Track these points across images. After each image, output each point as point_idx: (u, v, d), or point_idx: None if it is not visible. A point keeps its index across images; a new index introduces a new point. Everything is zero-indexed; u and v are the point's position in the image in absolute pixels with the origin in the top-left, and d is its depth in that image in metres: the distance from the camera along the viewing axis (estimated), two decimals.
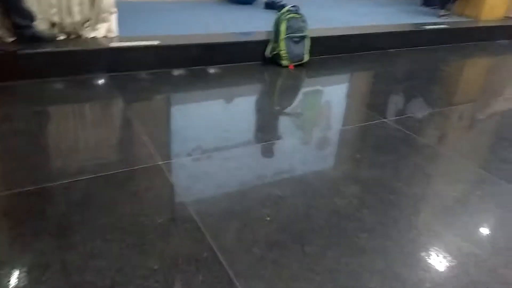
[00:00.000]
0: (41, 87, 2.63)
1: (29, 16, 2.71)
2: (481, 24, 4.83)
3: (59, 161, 1.86)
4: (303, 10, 3.46)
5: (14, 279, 1.22)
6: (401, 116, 2.59)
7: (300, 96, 2.98)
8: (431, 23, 4.57)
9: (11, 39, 2.76)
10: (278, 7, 4.38)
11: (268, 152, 2.10)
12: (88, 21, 2.99)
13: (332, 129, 2.39)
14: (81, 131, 2.20)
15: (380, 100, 2.90)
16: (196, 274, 1.29)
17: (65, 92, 2.63)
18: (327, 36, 3.74)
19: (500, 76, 3.81)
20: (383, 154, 2.10)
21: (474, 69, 4.11)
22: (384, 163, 2.01)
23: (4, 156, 1.88)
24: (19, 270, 1.26)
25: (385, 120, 2.51)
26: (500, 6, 5.14)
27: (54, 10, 2.83)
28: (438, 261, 1.41)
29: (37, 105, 2.41)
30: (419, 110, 2.75)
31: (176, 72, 3.07)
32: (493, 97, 3.18)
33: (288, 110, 2.68)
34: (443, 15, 4.91)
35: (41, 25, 2.83)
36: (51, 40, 2.82)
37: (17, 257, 1.30)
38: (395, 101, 2.96)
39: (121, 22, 3.22)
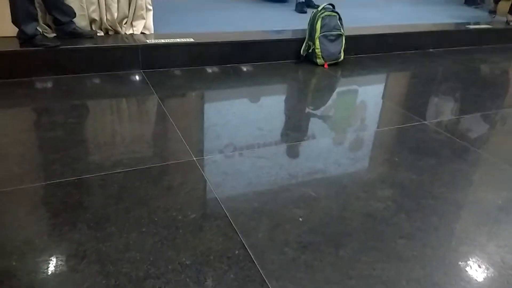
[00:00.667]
0: (80, 81, 2.71)
1: (69, 13, 2.79)
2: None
3: (96, 154, 1.89)
4: (340, 10, 3.39)
5: (51, 267, 1.25)
6: (442, 119, 2.49)
7: (334, 96, 2.92)
8: (474, 22, 4.38)
9: (52, 35, 2.86)
10: (313, 6, 4.33)
11: (301, 152, 2.06)
12: (125, 18, 3.04)
13: (368, 130, 2.32)
14: (118, 125, 2.24)
15: (420, 102, 2.80)
16: (227, 271, 1.27)
17: (103, 87, 2.69)
18: (364, 35, 3.65)
19: None
20: (423, 158, 2.02)
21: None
22: (423, 167, 1.93)
23: (43, 147, 1.94)
24: (57, 258, 1.28)
25: (425, 122, 2.42)
26: None
27: (93, 7, 2.91)
28: (480, 273, 1.34)
29: (76, 99, 2.48)
30: (461, 112, 2.63)
31: (210, 69, 3.08)
32: None
33: (322, 110, 2.63)
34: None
35: (81, 22, 2.91)
36: (91, 37, 2.89)
37: (55, 246, 1.33)
38: (435, 103, 2.85)
39: (157, 19, 3.27)
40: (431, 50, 3.96)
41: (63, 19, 2.77)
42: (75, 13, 2.83)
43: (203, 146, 2.04)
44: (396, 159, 2.01)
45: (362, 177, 1.85)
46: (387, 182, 1.81)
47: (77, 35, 2.84)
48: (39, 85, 2.62)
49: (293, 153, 2.05)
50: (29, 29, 2.58)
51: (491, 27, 4.32)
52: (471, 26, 4.22)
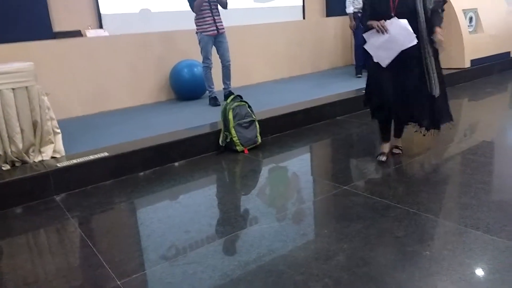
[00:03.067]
0: None
1: None
2: None
3: None
4: (247, 98, 3.61)
5: None
6: (359, 181, 2.61)
7: (259, 179, 2.97)
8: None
9: None
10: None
11: (232, 247, 2.01)
12: (32, 146, 2.94)
13: (295, 207, 2.35)
14: (33, 264, 2.02)
15: (337, 168, 2.94)
16: None
17: (14, 223, 2.47)
18: (275, 116, 3.87)
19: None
20: (350, 224, 2.06)
21: None
22: (352, 234, 1.96)
23: None
24: None
25: (345, 187, 2.51)
26: None
27: None
28: None
29: None
30: (375, 171, 2.78)
31: (129, 179, 3.01)
32: (446, 143, 3.31)
33: (248, 196, 2.64)
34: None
35: None
36: None
37: None
38: (351, 167, 3.00)
39: (68, 140, 3.20)
40: (338, 118, 4.29)
41: None
42: None
43: (128, 265, 1.90)
44: (326, 231, 2.02)
45: (297, 258, 1.82)
46: (321, 258, 1.80)
47: None
48: None
49: (224, 250, 1.98)
50: None
51: None
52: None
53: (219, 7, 4.43)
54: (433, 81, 2.67)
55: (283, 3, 6.75)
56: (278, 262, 1.80)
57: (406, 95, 2.70)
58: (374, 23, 2.65)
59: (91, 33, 4.78)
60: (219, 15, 4.42)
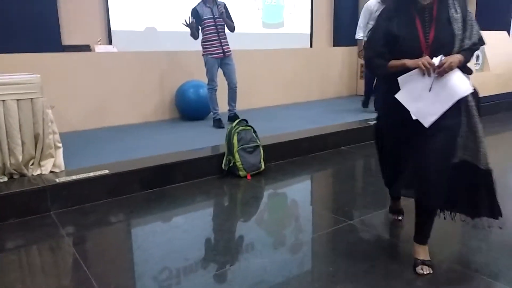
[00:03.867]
0: None
1: None
2: None
3: None
4: (251, 122, 3.57)
5: None
6: (366, 216, 2.54)
7: (261, 207, 2.90)
8: (375, 118, 4.84)
9: None
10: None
11: (232, 280, 1.91)
12: (32, 159, 2.88)
13: (298, 241, 2.27)
14: (25, 284, 1.93)
15: (342, 201, 2.87)
16: None
17: (6, 239, 2.39)
18: (280, 143, 3.83)
19: None
20: (356, 263, 1.98)
21: None
22: (358, 274, 1.88)
23: None
24: None
25: (351, 222, 2.44)
26: None
27: None
28: None
29: None
30: (382, 206, 2.72)
31: (129, 198, 2.93)
32: None
33: (250, 224, 2.57)
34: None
35: None
36: None
37: None
38: (356, 200, 2.94)
39: (69, 155, 3.14)
40: (342, 148, 4.25)
41: None
42: None
43: None
44: (331, 268, 1.94)
45: None
46: None
47: None
48: None
49: (225, 282, 1.90)
50: None
51: None
52: (373, 122, 4.65)
53: (226, 30, 4.46)
54: (481, 147, 1.86)
55: (291, 30, 6.82)
56: None
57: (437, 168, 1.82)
58: (410, 61, 1.78)
59: (100, 48, 4.78)
60: (225, 37, 4.45)
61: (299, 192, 3.27)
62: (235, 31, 4.54)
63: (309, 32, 7.05)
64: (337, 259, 2.02)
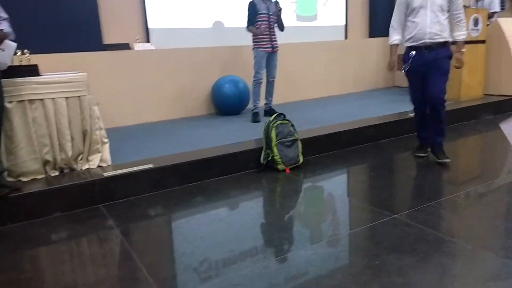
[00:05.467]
0: (35, 228, 2.53)
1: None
2: (463, 105, 5.02)
3: None
4: (288, 115, 3.57)
5: None
6: (410, 210, 2.49)
7: (301, 200, 2.90)
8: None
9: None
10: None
11: (278, 271, 1.94)
12: (81, 154, 3.01)
13: (342, 234, 2.26)
14: (77, 273, 2.03)
15: (384, 195, 2.82)
16: None
17: (59, 230, 2.52)
18: (318, 136, 3.81)
19: (496, 151, 3.82)
20: (402, 256, 1.95)
21: (467, 148, 4.15)
22: (405, 267, 1.86)
23: None
24: None
25: (395, 216, 2.41)
26: (476, 86, 5.42)
27: (46, 148, 2.87)
28: None
29: (30, 248, 2.29)
30: (426, 200, 2.66)
31: (172, 192, 3.01)
32: (496, 174, 3.14)
33: (292, 217, 2.58)
34: None
35: (33, 165, 2.83)
36: (15, 189, 2.64)
37: None
38: (399, 194, 2.89)
39: (114, 150, 3.26)
40: (381, 141, 4.17)
41: None
42: (4, 169, 2.73)
43: (172, 283, 1.88)
44: (377, 262, 1.93)
45: None
46: None
47: (0, 187, 2.59)
48: None
49: (270, 274, 1.92)
50: None
51: None
52: (412, 114, 4.53)
53: (276, 27, 4.62)
54: None
55: (325, 22, 6.73)
56: None
57: None
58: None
59: (139, 46, 4.91)
60: (275, 34, 4.59)
61: (338, 185, 3.25)
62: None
63: (344, 24, 6.94)
64: (382, 253, 2.00)
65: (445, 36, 3.18)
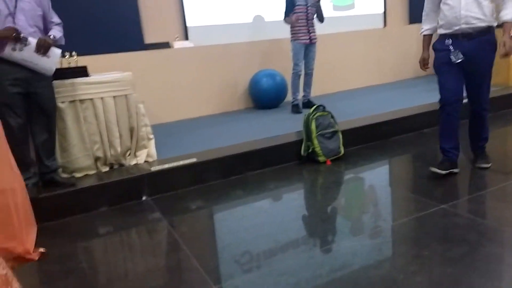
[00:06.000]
0: (89, 220, 2.69)
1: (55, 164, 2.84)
2: (511, 91, 4.78)
3: None
4: (327, 106, 3.55)
5: None
6: (459, 200, 2.43)
7: (344, 191, 2.89)
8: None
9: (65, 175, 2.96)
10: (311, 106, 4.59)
11: (324, 261, 1.96)
12: (129, 150, 3.15)
13: (387, 224, 2.24)
14: (131, 262, 2.15)
15: (430, 185, 2.76)
16: None
17: (112, 222, 2.65)
18: (358, 127, 3.76)
19: None
20: (452, 247, 1.91)
21: None
22: (456, 258, 1.82)
23: None
24: None
25: (443, 206, 2.35)
26: None
27: (97, 145, 3.02)
28: None
29: (86, 239, 2.43)
30: (475, 190, 2.57)
31: (216, 184, 3.09)
32: None
33: (335, 208, 2.58)
34: None
35: (85, 161, 2.99)
36: (71, 184, 2.81)
37: None
38: (446, 184, 2.81)
39: (159, 145, 3.38)
40: (424, 130, 4.05)
41: (51, 166, 2.79)
42: (58, 166, 2.90)
43: (222, 271, 1.94)
44: (426, 252, 1.90)
45: (396, 280, 1.73)
46: (424, 282, 1.68)
47: (56, 183, 2.79)
48: (46, 231, 2.59)
49: (317, 264, 1.94)
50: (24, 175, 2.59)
51: None
52: None
53: (315, 19, 4.59)
54: None
55: (363, 11, 6.59)
56: (376, 283, 1.72)
57: None
58: None
59: (178, 44, 5.03)
60: (313, 26, 4.58)
61: (381, 176, 3.20)
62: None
63: (383, 11, 6.76)
64: (431, 243, 1.97)
65: (487, 20, 2.58)
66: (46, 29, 2.73)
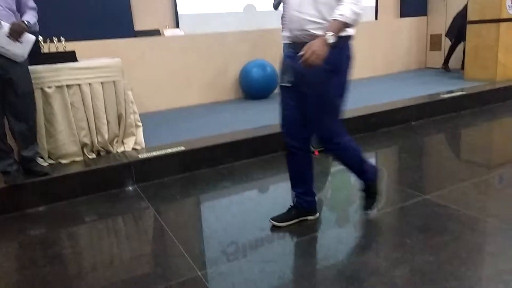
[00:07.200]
0: (75, 206, 2.67)
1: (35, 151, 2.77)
2: (498, 86, 4.84)
3: (97, 284, 1.78)
4: None
5: None
6: (442, 191, 2.46)
7: (330, 181, 2.92)
8: (448, 91, 4.60)
9: (44, 163, 2.90)
10: None
11: (309, 249, 1.98)
12: (116, 137, 3.12)
13: (372, 214, 2.26)
14: (116, 248, 2.15)
15: (416, 176, 2.80)
16: None
17: (98, 208, 2.64)
18: (348, 118, 3.75)
19: None
20: (434, 236, 1.95)
21: (502, 130, 4.01)
22: (438, 246, 1.86)
23: (39, 286, 1.83)
24: None
25: (426, 196, 2.39)
26: None
27: (84, 132, 2.99)
28: None
29: (71, 226, 2.42)
30: (459, 181, 2.61)
31: (204, 173, 3.09)
32: None
33: (321, 198, 2.60)
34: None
35: (72, 147, 2.96)
36: (43, 174, 2.73)
37: None
38: (431, 175, 2.85)
39: (147, 133, 3.36)
40: (413, 123, 4.09)
41: (28, 157, 2.71)
42: (38, 153, 2.84)
43: (207, 257, 1.95)
44: (408, 241, 1.93)
45: (379, 268, 1.75)
46: (406, 269, 1.71)
47: (33, 173, 2.72)
48: (32, 217, 2.57)
49: (301, 251, 1.96)
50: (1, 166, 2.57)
51: (464, 93, 4.54)
52: (446, 95, 4.43)
53: None
54: None
55: None
56: (359, 269, 1.75)
57: None
58: None
59: (168, 32, 4.98)
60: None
61: None
62: None
63: (374, 4, 6.76)
64: (414, 232, 2.00)
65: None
66: (20, 13, 2.58)
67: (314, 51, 1.66)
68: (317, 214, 2.23)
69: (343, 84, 1.94)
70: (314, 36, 1.74)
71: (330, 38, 1.68)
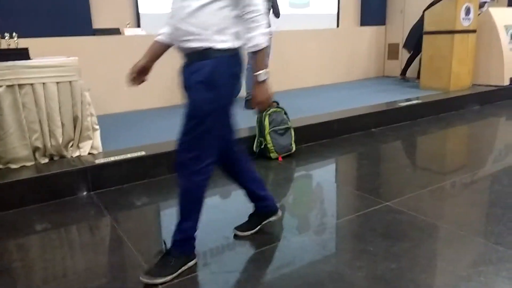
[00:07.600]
0: (25, 215, 2.50)
1: None
2: (452, 95, 5.08)
3: None
4: (283, 103, 3.56)
5: None
6: (402, 197, 2.52)
7: (293, 188, 2.92)
8: (405, 99, 4.77)
9: None
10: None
11: (274, 257, 1.95)
12: (71, 141, 2.96)
13: (334, 222, 2.28)
14: (71, 260, 2.02)
15: (376, 183, 2.85)
16: None
17: (51, 217, 2.48)
18: (311, 125, 3.81)
19: (484, 141, 3.88)
20: (396, 243, 1.98)
21: (456, 138, 4.20)
22: (399, 253, 1.89)
23: None
24: None
25: (387, 203, 2.43)
26: (465, 76, 5.47)
27: (36, 134, 2.81)
28: None
29: (20, 237, 2.26)
30: (417, 188, 2.69)
31: (165, 179, 3.00)
32: (483, 163, 3.19)
33: (284, 205, 2.59)
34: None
35: (22, 152, 2.78)
36: None
37: None
38: (391, 182, 2.92)
39: (106, 137, 3.21)
40: (373, 129, 4.20)
41: None
42: None
43: None
44: (371, 248, 1.95)
45: (343, 276, 1.76)
46: (369, 276, 1.73)
47: None
48: None
49: (266, 260, 1.93)
50: None
51: (420, 101, 4.72)
52: (403, 104, 4.58)
53: (271, 14, 4.57)
54: None
55: (318, 10, 6.70)
56: (323, 278, 1.74)
57: None
58: None
59: (129, 31, 4.82)
60: (269, 20, 4.53)
61: (331, 173, 3.27)
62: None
63: (336, 12, 6.91)
64: (376, 239, 2.03)
65: (205, 37, 1.62)
66: None
67: (259, 102, 1.77)
68: (279, 213, 2.20)
69: (217, 103, 1.71)
70: (190, 50, 1.67)
71: (261, 76, 1.68)
